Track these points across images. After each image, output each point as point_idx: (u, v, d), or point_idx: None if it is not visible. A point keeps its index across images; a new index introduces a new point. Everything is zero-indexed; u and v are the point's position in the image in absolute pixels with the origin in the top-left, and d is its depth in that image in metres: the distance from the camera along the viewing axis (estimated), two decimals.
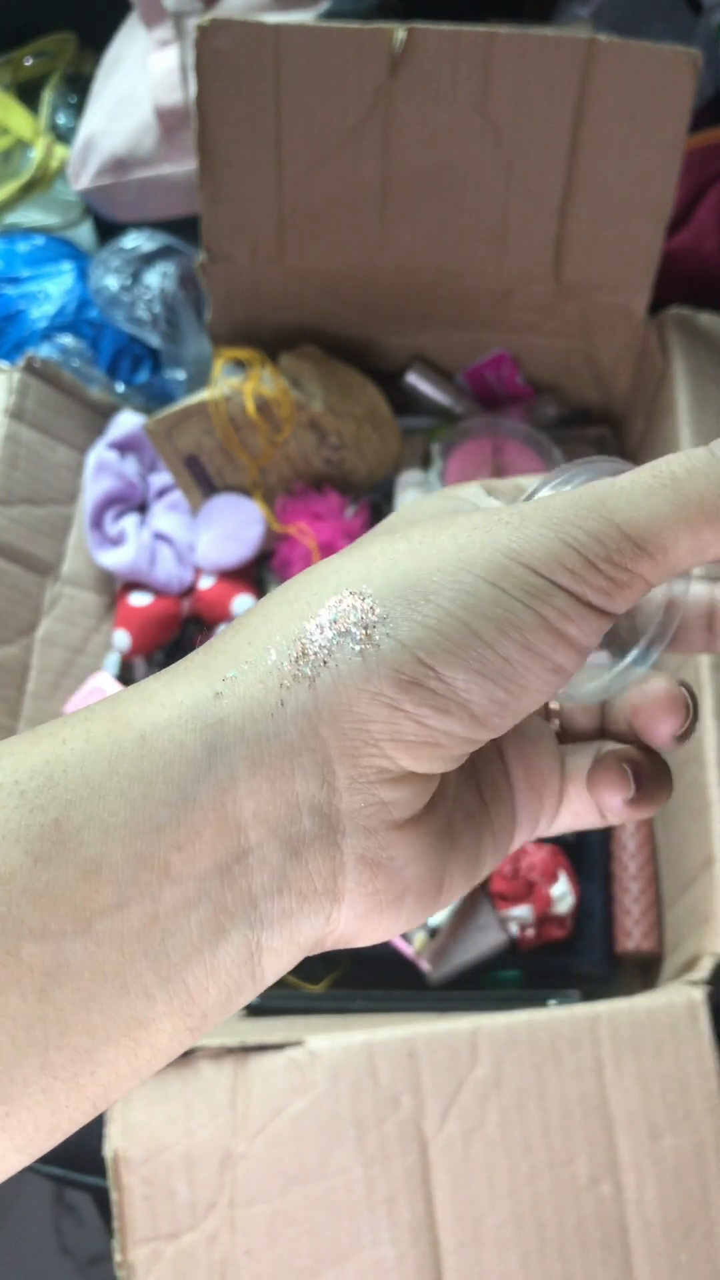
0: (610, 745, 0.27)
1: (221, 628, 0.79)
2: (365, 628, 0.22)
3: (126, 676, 0.79)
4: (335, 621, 0.22)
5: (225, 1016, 0.22)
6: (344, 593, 0.22)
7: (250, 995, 0.23)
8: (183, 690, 0.22)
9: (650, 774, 0.26)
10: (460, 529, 0.23)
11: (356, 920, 0.23)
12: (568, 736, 0.29)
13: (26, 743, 0.21)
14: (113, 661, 0.79)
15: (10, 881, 0.20)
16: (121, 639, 0.78)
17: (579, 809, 0.28)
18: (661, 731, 0.27)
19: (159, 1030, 0.21)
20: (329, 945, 0.24)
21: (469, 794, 0.26)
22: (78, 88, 0.99)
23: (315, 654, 0.22)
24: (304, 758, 0.22)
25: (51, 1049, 0.20)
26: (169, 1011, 0.21)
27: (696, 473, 0.22)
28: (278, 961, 0.23)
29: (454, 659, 0.22)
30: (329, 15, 0.83)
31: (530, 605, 0.22)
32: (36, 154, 0.95)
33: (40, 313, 0.89)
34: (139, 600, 0.79)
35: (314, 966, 0.67)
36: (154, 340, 0.88)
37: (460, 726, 0.22)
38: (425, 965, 0.67)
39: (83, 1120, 0.21)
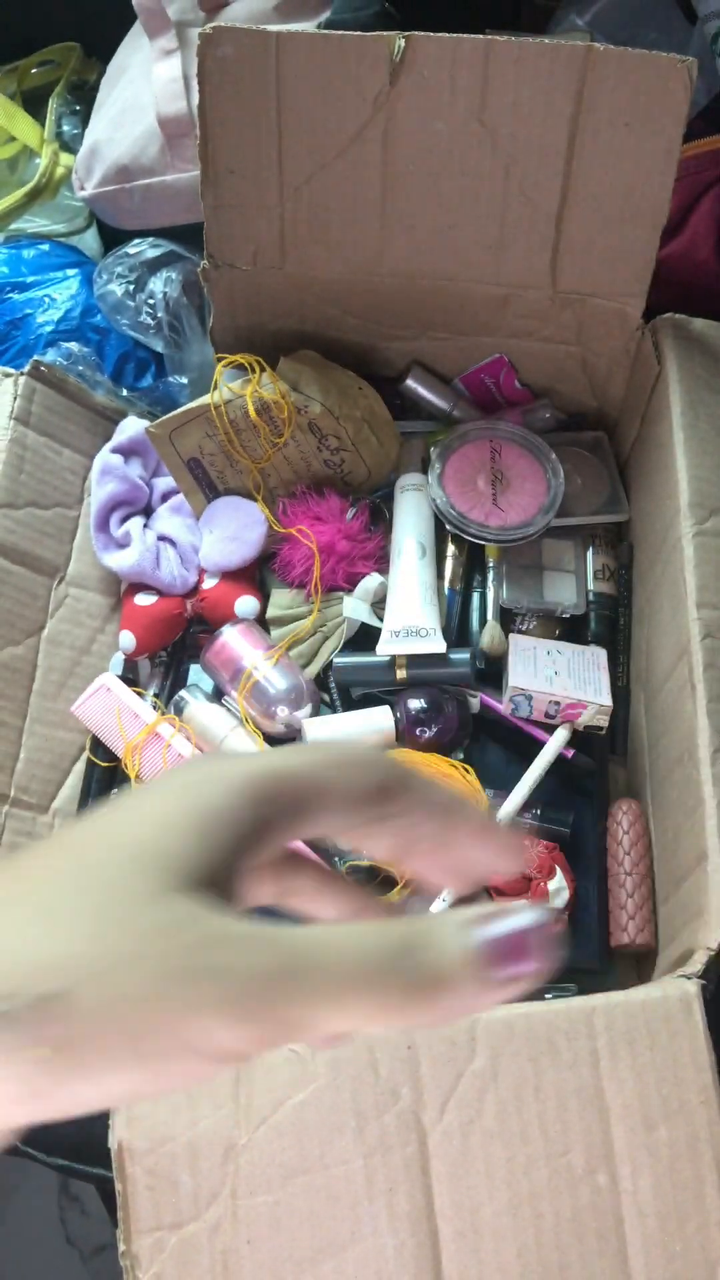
0: None
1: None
2: None
3: (131, 676, 0.80)
4: None
5: None
6: None
7: None
8: None
9: None
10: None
11: None
12: None
13: None
14: (118, 661, 0.80)
15: None
16: (127, 639, 0.79)
17: None
18: None
19: None
20: None
21: None
22: (83, 96, 1.00)
23: None
24: None
25: None
26: None
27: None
28: None
29: None
30: (330, 24, 0.84)
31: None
32: (42, 161, 0.96)
33: (46, 318, 0.90)
34: (144, 601, 0.80)
35: None
36: (158, 346, 0.89)
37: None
38: None
39: None
